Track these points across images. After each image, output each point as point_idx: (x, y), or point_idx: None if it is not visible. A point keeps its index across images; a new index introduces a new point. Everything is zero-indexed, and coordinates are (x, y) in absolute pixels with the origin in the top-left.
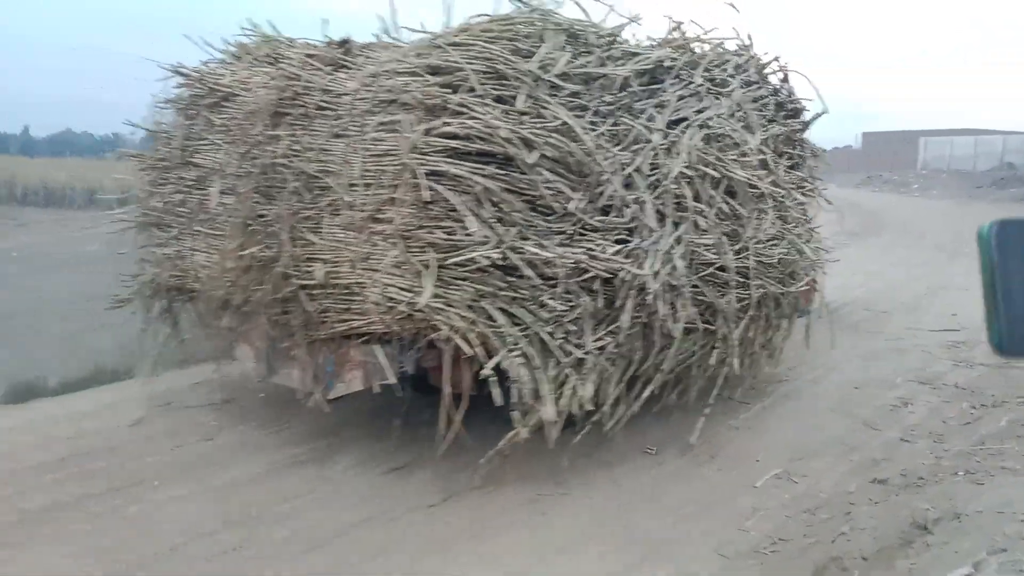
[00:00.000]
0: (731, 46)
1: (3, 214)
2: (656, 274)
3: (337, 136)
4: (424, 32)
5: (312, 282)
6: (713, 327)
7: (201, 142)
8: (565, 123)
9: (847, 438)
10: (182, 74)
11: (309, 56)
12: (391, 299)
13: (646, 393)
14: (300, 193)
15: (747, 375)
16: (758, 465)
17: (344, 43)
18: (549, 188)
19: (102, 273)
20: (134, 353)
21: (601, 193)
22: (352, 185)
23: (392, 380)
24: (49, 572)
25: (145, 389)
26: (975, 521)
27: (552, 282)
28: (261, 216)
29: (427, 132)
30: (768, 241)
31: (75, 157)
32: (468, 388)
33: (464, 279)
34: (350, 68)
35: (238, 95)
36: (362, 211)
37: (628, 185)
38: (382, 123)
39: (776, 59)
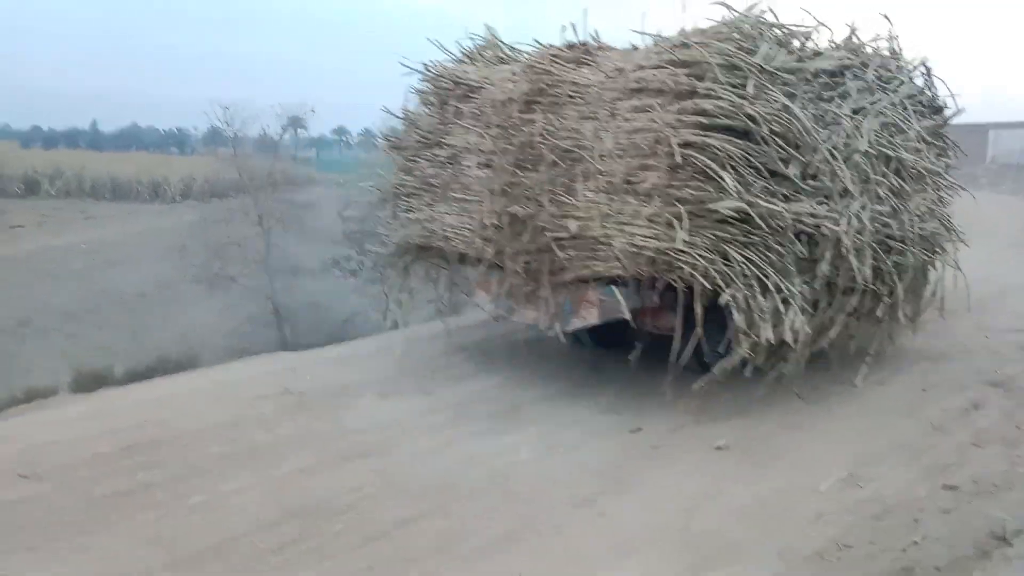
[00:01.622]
0: (885, 50)
1: (72, 207)
2: (848, 232)
3: (585, 119)
4: (654, 36)
5: (564, 235)
6: (875, 288)
7: (450, 126)
8: (784, 106)
9: (915, 442)
10: (432, 72)
11: (554, 56)
12: (636, 246)
13: (833, 333)
14: (556, 164)
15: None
16: (822, 468)
17: (584, 44)
18: (776, 156)
19: (167, 266)
20: (199, 343)
21: (809, 163)
22: (603, 156)
23: (627, 315)
24: (116, 559)
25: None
26: None
27: (775, 232)
28: (516, 184)
29: (680, 111)
30: (923, 215)
31: (141, 151)
32: (700, 320)
33: (706, 228)
34: (590, 65)
35: (483, 88)
36: (614, 177)
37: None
38: (635, 106)
39: (924, 62)
